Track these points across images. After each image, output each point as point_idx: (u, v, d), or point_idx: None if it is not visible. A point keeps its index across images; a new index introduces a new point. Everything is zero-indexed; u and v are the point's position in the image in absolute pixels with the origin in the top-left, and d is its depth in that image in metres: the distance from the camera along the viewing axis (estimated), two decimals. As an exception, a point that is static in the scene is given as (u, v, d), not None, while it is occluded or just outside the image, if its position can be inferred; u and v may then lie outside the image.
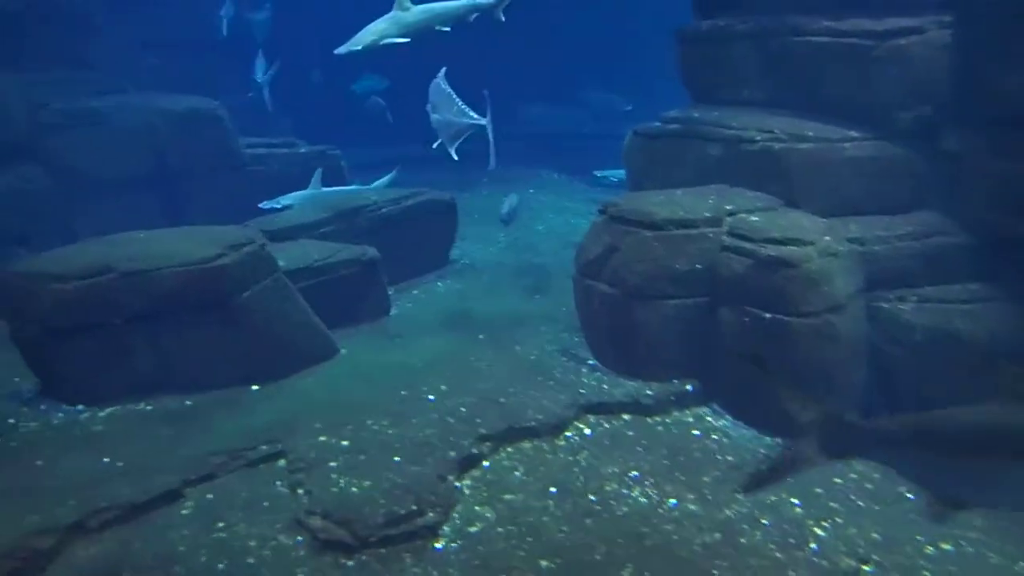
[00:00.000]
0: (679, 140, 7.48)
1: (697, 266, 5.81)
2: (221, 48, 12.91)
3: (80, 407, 6.10)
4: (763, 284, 5.42)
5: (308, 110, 13.94)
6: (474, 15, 7.29)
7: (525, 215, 11.80)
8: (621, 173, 12.89)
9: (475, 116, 6.82)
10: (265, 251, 6.58)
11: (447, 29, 7.15)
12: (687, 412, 5.69)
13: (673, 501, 4.65)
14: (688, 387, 5.82)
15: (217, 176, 10.23)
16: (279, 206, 8.93)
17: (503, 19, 7.30)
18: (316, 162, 11.54)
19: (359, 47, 6.64)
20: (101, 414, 5.98)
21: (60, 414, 6.04)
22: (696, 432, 5.44)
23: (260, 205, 8.88)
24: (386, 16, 7.02)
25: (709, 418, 5.61)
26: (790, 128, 6.47)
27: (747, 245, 5.61)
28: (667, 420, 5.61)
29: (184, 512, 4.81)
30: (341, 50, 6.69)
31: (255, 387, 6.25)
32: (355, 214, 8.75)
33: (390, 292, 8.06)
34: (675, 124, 7.63)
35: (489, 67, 12.76)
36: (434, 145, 7.06)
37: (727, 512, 4.50)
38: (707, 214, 6.02)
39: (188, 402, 6.06)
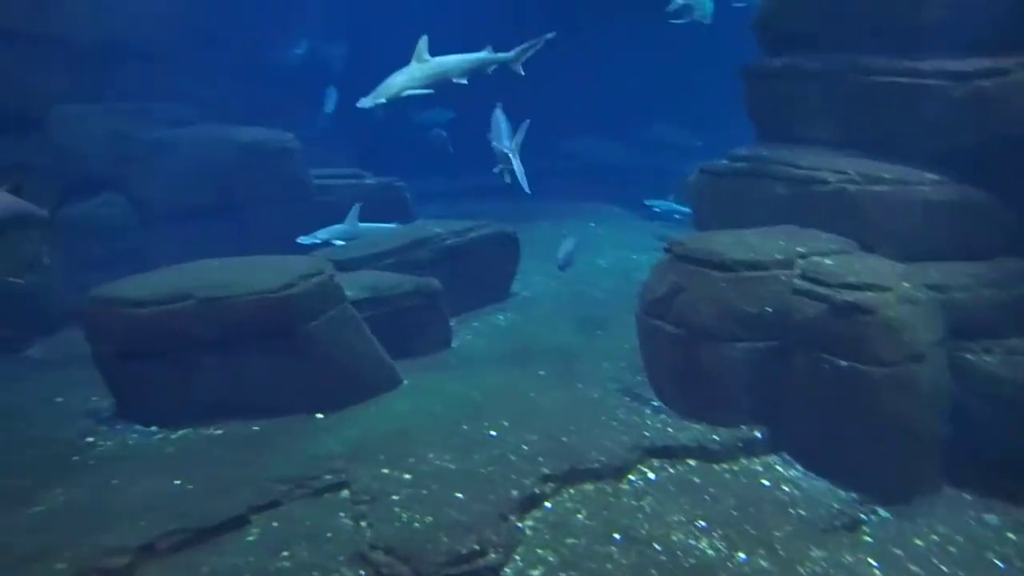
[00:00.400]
0: (746, 179, 7.39)
1: (767, 309, 5.68)
2: (294, 81, 13.36)
3: (154, 428, 6.29)
4: (839, 330, 5.26)
5: (372, 142, 14.29)
6: (492, 67, 7.47)
7: (586, 250, 11.76)
8: (669, 204, 12.81)
9: (506, 144, 7.09)
10: (333, 281, 6.71)
11: (464, 81, 7.31)
12: (755, 460, 5.52)
13: (743, 556, 4.49)
14: (757, 434, 5.66)
15: (285, 206, 10.52)
16: (318, 241, 8.98)
17: (522, 73, 7.45)
18: (382, 194, 11.82)
19: (383, 99, 6.72)
20: (173, 436, 6.15)
21: (135, 435, 6.23)
22: (766, 482, 5.27)
23: (298, 240, 8.95)
24: (405, 68, 7.11)
25: (779, 467, 5.43)
26: (864, 169, 6.32)
27: (821, 290, 5.46)
28: (735, 468, 5.46)
29: (250, 538, 4.87)
30: (365, 102, 6.82)
31: (320, 415, 6.34)
32: (419, 245, 8.88)
33: (451, 323, 8.11)
34: (742, 162, 7.55)
35: (550, 100, 12.99)
36: (495, 171, 7.37)
37: (800, 570, 4.33)
38: (778, 256, 5.90)
39: (255, 427, 6.17)
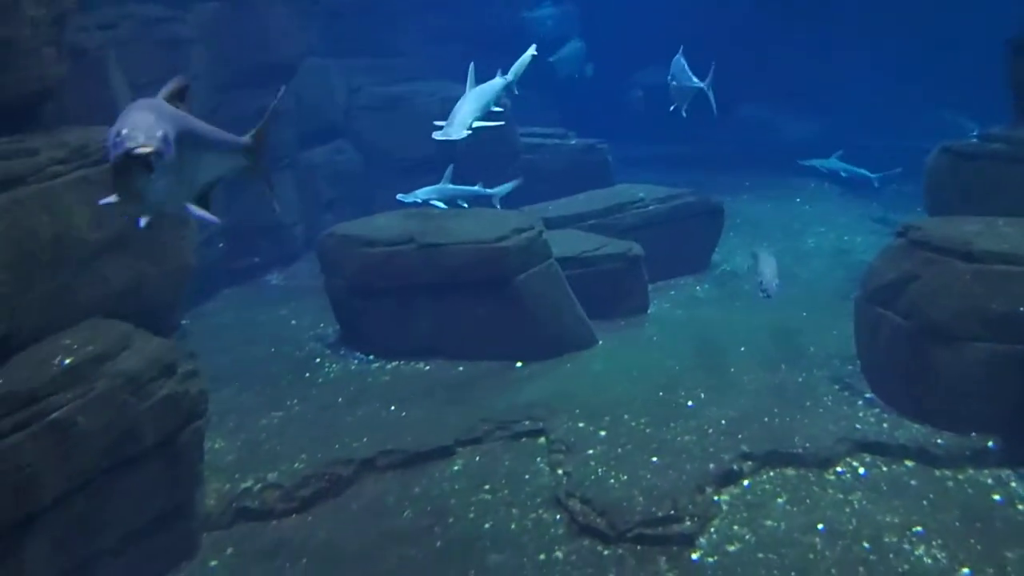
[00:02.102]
0: (1002, 163, 6.56)
1: (1020, 309, 5.05)
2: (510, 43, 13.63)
3: (371, 357, 6.92)
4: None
5: (576, 104, 14.31)
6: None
7: (793, 227, 11.11)
8: (829, 163, 11.57)
9: (696, 81, 7.49)
10: (542, 238, 6.90)
11: (500, 109, 7.45)
12: (985, 472, 4.98)
13: (967, 571, 4.11)
14: (990, 444, 5.10)
15: (495, 163, 10.88)
16: (418, 200, 8.49)
17: (516, 92, 7.76)
18: (584, 156, 11.85)
19: (458, 137, 6.54)
20: (388, 366, 6.73)
21: (355, 361, 6.90)
22: (997, 497, 4.75)
23: (398, 197, 8.66)
24: (473, 95, 7.01)
25: (1014, 483, 4.87)
26: None
27: (1095, 293, 4.75)
28: (959, 476, 4.97)
29: (456, 468, 5.25)
30: (451, 133, 6.61)
31: (519, 364, 6.62)
32: (621, 209, 8.85)
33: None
34: (999, 143, 6.71)
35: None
36: (671, 109, 7.87)
37: (1037, 598, 3.89)
38: (1040, 251, 5.20)
39: (460, 368, 6.58)
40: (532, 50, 7.55)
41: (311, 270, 9.03)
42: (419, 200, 8.27)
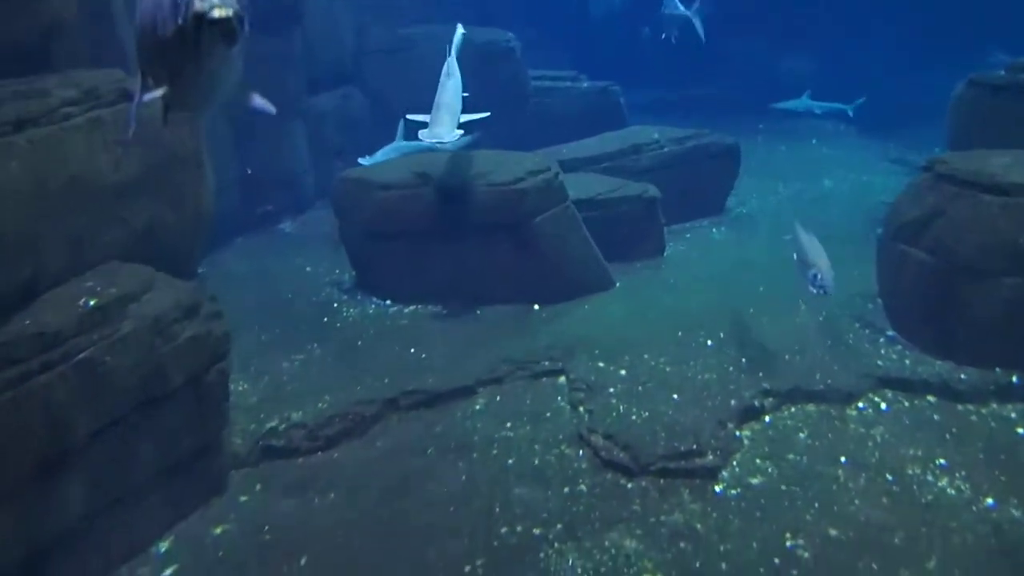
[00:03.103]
0: (1034, 94, 6.37)
1: (1049, 242, 4.97)
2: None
3: (388, 302, 6.91)
4: None
5: (588, 46, 13.98)
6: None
7: (809, 168, 10.94)
8: (801, 103, 11.32)
9: (682, 8, 7.97)
10: (559, 180, 6.81)
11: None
12: (1010, 407, 4.98)
13: (991, 501, 4.14)
14: (1014, 379, 5.08)
15: (506, 107, 10.67)
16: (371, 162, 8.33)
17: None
18: (596, 99, 11.62)
19: (451, 140, 5.88)
20: (406, 310, 6.72)
21: (373, 305, 6.89)
22: (1021, 431, 4.76)
23: (360, 160, 8.52)
24: (449, 88, 6.31)
25: (1038, 418, 4.87)
26: None
27: None
28: (983, 411, 4.97)
29: (477, 407, 5.28)
30: (430, 139, 5.98)
31: (536, 307, 6.60)
32: (636, 151, 8.71)
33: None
34: (1029, 75, 6.51)
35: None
36: (662, 36, 8.76)
37: (1061, 527, 3.92)
38: (1071, 183, 5.09)
39: (478, 311, 6.57)
40: (460, 29, 7.15)
41: (324, 218, 8.98)
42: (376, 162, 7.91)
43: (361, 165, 8.43)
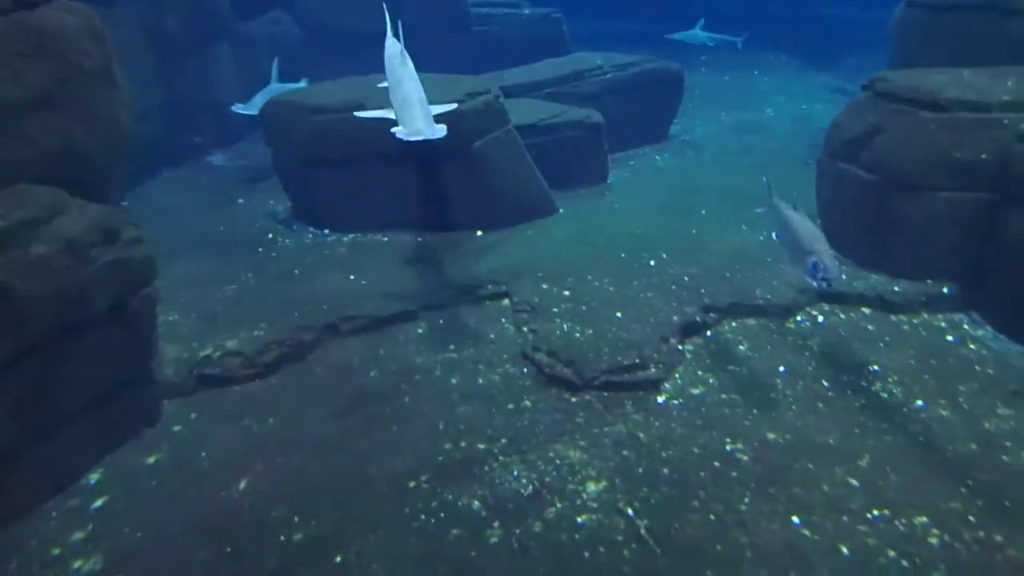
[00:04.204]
0: (972, 13, 6.43)
1: (983, 156, 5.06)
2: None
3: (327, 231, 6.67)
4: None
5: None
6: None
7: (751, 97, 10.97)
8: (693, 34, 11.38)
9: None
10: (499, 103, 6.60)
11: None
12: (939, 317, 5.14)
13: (921, 402, 4.28)
14: (944, 290, 5.24)
15: (446, 35, 10.32)
16: (254, 113, 7.71)
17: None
18: (538, 26, 11.33)
19: (437, 135, 4.73)
20: (345, 239, 6.51)
21: (310, 235, 6.65)
22: (950, 338, 4.92)
23: (234, 108, 8.28)
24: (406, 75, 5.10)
25: (966, 326, 5.03)
26: None
27: (1057, 137, 4.76)
28: (914, 321, 5.12)
29: (419, 331, 5.18)
30: (415, 136, 4.72)
31: (479, 233, 6.47)
32: (579, 77, 8.55)
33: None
34: (966, -7, 6.54)
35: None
36: None
37: (986, 425, 4.07)
38: (1005, 98, 5.17)
39: (419, 239, 6.41)
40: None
41: (255, 151, 8.59)
42: (256, 113, 7.35)
43: (239, 111, 8.13)
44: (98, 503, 3.76)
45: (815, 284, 3.94)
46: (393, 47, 5.25)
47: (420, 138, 4.66)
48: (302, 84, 8.51)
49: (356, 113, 5.37)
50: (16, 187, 4.31)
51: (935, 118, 5.24)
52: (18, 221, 3.93)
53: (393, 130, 4.75)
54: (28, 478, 3.79)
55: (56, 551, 3.45)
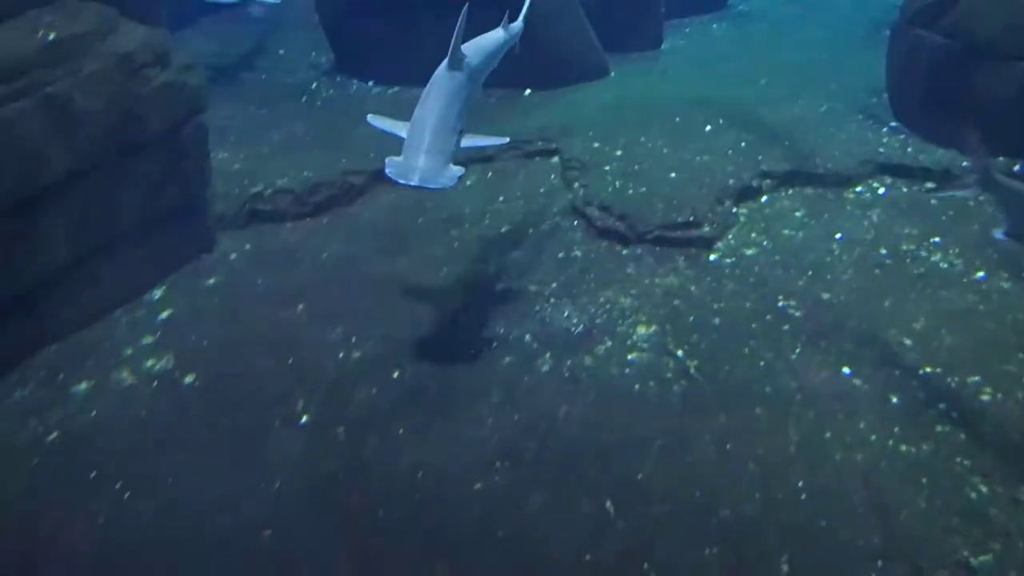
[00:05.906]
0: None
1: (1077, 23, 4.72)
2: None
3: (371, 83, 6.51)
4: None
5: None
6: None
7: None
8: None
9: None
10: (557, -51, 6.22)
11: None
12: (1005, 194, 4.95)
13: (982, 274, 4.19)
14: (1017, 167, 5.03)
15: None
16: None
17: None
18: None
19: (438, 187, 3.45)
20: (389, 92, 6.37)
21: (354, 87, 6.49)
22: (1015, 215, 4.76)
23: None
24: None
25: (1033, 204, 4.85)
26: None
27: None
28: (981, 197, 4.91)
29: (468, 183, 5.08)
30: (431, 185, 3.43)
31: (528, 91, 6.28)
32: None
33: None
34: None
35: None
36: None
37: (1050, 299, 3.99)
38: (1112, -42, 4.75)
39: (467, 94, 6.21)
40: None
41: (295, 3, 8.27)
42: None
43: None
44: (164, 315, 3.88)
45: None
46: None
47: (412, 184, 3.38)
48: None
49: (370, 118, 4.19)
50: (69, 1, 4.20)
51: (1030, -21, 4.86)
52: (72, 35, 3.85)
53: (387, 159, 3.56)
54: (93, 289, 3.89)
55: (129, 351, 3.60)
